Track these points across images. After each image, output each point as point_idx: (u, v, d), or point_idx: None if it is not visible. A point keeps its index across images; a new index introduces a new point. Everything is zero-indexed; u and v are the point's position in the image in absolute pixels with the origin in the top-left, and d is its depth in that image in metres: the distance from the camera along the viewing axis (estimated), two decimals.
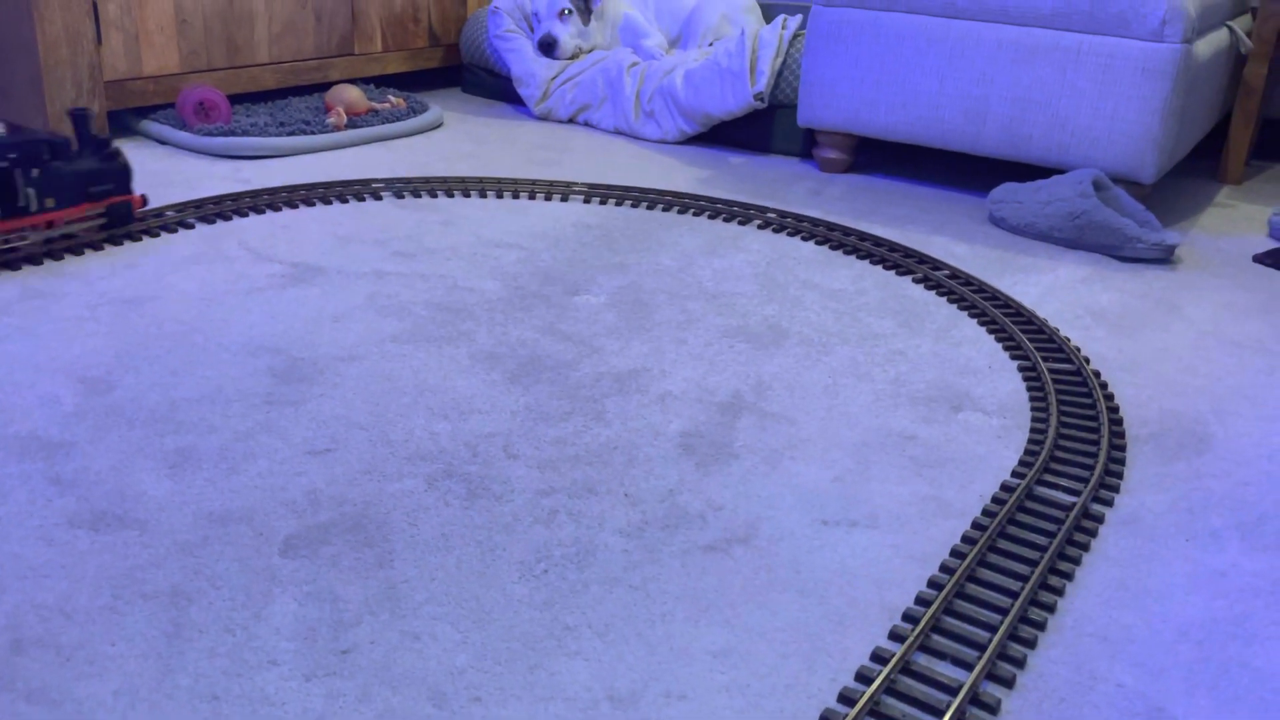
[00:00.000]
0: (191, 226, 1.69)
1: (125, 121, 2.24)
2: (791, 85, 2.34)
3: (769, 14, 2.85)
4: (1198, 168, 2.45)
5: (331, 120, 2.26)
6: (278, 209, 1.81)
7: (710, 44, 2.69)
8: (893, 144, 2.37)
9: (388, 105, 2.44)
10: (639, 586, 0.88)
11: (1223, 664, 0.82)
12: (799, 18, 2.43)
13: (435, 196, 1.95)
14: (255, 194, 1.84)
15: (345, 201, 1.88)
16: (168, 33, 2.20)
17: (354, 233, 1.71)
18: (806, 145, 2.37)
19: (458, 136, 2.41)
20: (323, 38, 2.53)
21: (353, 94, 2.36)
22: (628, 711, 0.74)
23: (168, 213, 1.71)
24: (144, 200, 1.63)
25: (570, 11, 2.67)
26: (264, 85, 2.41)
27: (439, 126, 2.49)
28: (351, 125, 2.29)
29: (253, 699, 0.73)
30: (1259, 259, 1.83)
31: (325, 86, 2.54)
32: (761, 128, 2.41)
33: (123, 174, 1.58)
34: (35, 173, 1.12)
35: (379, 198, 1.91)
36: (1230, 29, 2.16)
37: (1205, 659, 0.83)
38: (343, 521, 0.94)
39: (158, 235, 1.65)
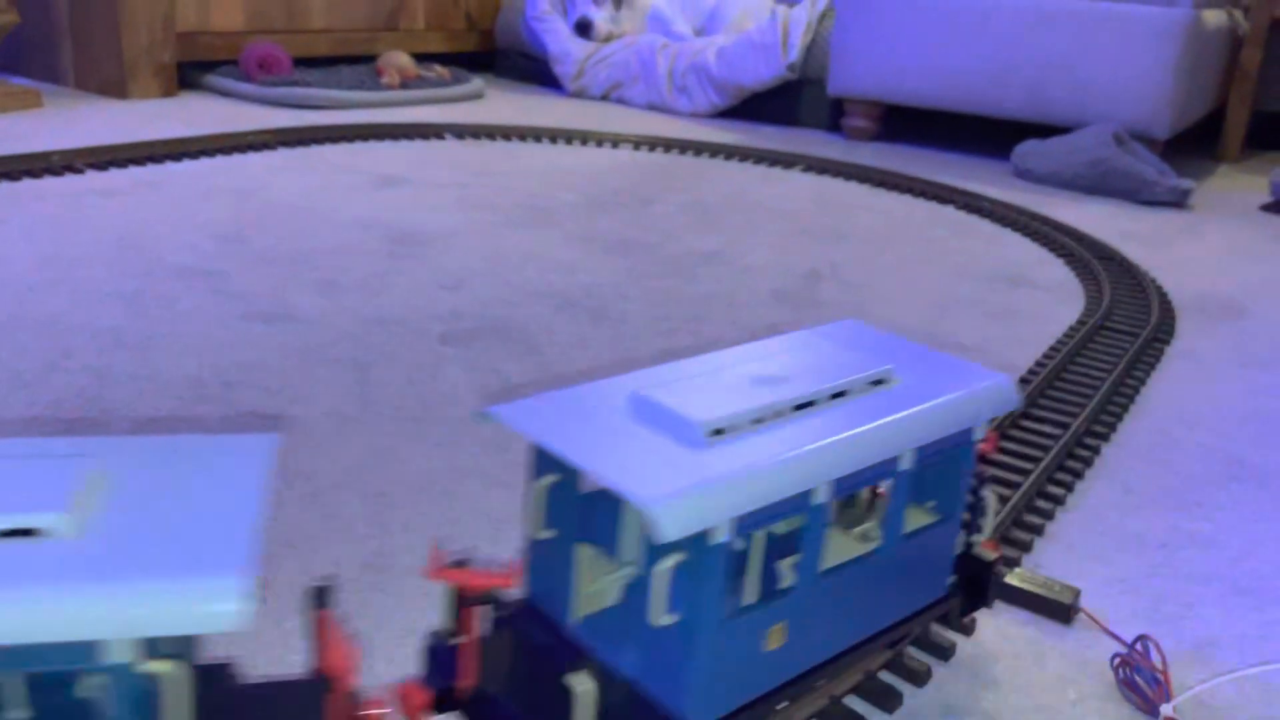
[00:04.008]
0: (273, 148, 1.79)
1: (189, 77, 2.34)
2: (820, 61, 2.48)
3: None
4: (1198, 151, 2.61)
5: (386, 80, 2.37)
6: (350, 140, 1.91)
7: None
8: (915, 117, 2.51)
9: (434, 74, 2.56)
10: None
11: (1276, 437, 0.93)
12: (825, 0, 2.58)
13: (494, 140, 2.06)
14: (326, 128, 1.94)
15: (411, 139, 1.98)
16: None
17: (428, 159, 1.82)
18: (833, 118, 2.51)
19: (500, 105, 2.53)
20: (372, 10, 2.65)
21: (404, 59, 2.48)
22: None
23: (248, 136, 1.81)
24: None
25: None
26: (317, 51, 2.52)
27: (480, 97, 2.61)
28: (404, 88, 2.41)
29: (449, 421, 0.82)
30: (1266, 208, 1.97)
31: (371, 59, 2.66)
32: (789, 101, 2.55)
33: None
34: None
35: (442, 137, 2.02)
36: (1229, 12, 2.33)
37: (1271, 428, 0.94)
38: (486, 327, 1.04)
39: (244, 151, 1.74)
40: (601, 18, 2.81)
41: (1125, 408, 0.96)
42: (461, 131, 2.06)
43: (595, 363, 0.97)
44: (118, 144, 1.63)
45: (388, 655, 0.55)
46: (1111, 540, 0.73)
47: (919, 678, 0.56)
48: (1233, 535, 0.74)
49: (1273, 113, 2.82)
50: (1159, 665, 0.55)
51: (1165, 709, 0.52)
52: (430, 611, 0.59)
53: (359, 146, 1.88)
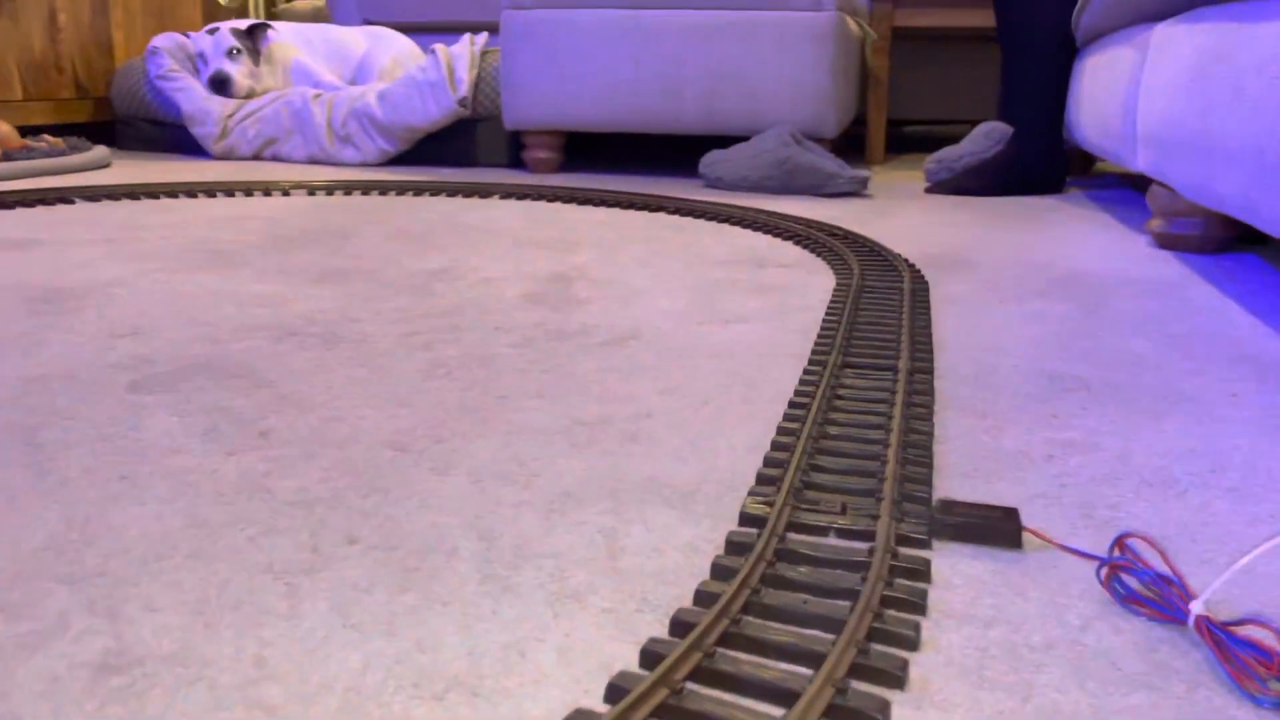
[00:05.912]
0: None
1: None
2: (490, 97, 2.38)
3: None
4: (847, 159, 2.79)
5: None
6: None
7: None
8: (598, 144, 2.48)
9: (44, 144, 2.18)
10: (554, 369, 0.83)
11: (1071, 351, 0.92)
12: (485, 35, 2.50)
13: (137, 199, 1.76)
14: None
15: (30, 206, 1.64)
16: None
17: (57, 222, 1.50)
18: (514, 154, 2.42)
19: (133, 173, 2.20)
20: None
21: (3, 127, 2.09)
22: (600, 428, 0.69)
23: None
24: None
25: (239, 50, 2.56)
26: None
27: (107, 165, 2.26)
28: (6, 159, 2.02)
29: (173, 472, 0.60)
30: (930, 190, 2.10)
31: None
32: (465, 141, 2.43)
33: None
34: None
35: (71, 201, 1.69)
36: (855, 20, 2.51)
37: (1061, 345, 0.92)
38: (190, 368, 0.81)
39: None
40: (240, 72, 2.55)
41: (929, 347, 0.91)
42: (95, 194, 1.74)
43: (352, 387, 0.78)
44: None
45: None
46: (1001, 462, 0.65)
47: (908, 642, 0.44)
48: (1104, 438, 0.69)
49: (899, 120, 3.10)
50: (1161, 563, 0.47)
51: (1195, 607, 0.43)
52: (216, 710, 0.38)
53: None
